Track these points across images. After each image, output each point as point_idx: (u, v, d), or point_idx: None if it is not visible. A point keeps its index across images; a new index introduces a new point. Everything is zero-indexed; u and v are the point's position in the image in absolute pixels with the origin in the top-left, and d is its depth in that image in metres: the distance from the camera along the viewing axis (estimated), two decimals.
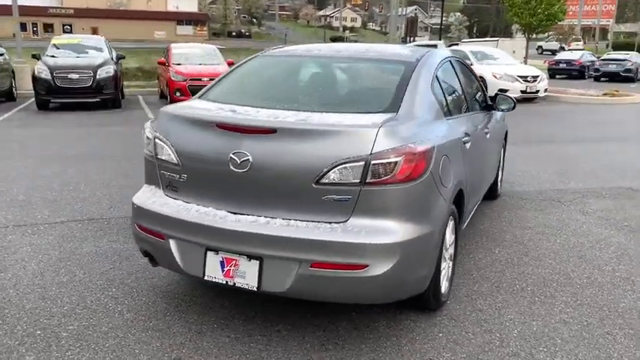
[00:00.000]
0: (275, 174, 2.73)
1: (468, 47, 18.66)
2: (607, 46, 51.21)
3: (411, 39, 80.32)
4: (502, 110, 4.80)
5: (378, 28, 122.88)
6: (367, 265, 2.64)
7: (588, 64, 29.05)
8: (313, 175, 2.68)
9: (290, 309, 3.29)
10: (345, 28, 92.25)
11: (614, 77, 26.10)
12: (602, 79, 26.48)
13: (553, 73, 27.77)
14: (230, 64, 14.76)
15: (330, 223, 2.71)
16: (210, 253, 2.86)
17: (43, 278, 3.67)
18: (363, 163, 2.64)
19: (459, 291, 3.62)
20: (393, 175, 2.66)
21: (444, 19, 49.49)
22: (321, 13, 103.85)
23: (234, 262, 2.81)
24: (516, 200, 5.83)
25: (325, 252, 2.64)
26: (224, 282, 2.85)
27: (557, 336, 3.12)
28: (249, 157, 2.74)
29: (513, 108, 4.78)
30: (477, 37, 72.07)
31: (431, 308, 3.28)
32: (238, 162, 2.76)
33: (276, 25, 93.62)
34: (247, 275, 2.79)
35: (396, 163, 2.65)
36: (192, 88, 13.26)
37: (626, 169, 7.53)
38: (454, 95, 3.89)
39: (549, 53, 47.26)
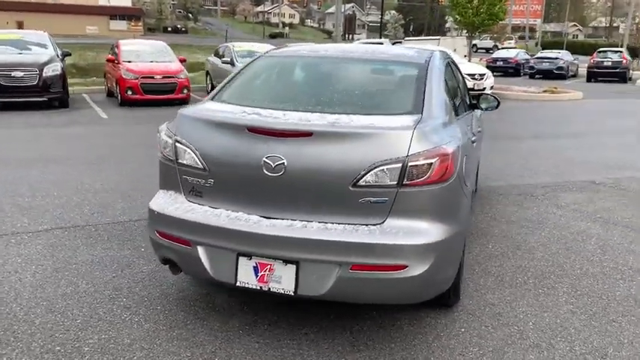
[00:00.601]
0: (311, 178, 2.72)
1: (414, 45, 19.01)
2: (536, 44, 53.62)
3: (350, 37, 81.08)
4: (485, 109, 4.94)
5: (316, 25, 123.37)
6: (406, 266, 2.68)
7: (523, 62, 30.40)
8: (350, 178, 2.68)
9: (312, 312, 3.28)
10: (283, 25, 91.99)
11: (547, 74, 27.37)
12: (537, 76, 27.73)
13: (491, 70, 28.75)
14: (182, 60, 14.45)
15: (367, 225, 2.73)
16: (242, 259, 2.81)
17: (44, 291, 3.49)
18: (400, 165, 2.67)
19: (467, 286, 3.73)
20: (429, 177, 2.71)
21: (379, 17, 50.02)
22: (259, 9, 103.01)
23: (268, 266, 2.78)
24: (494, 195, 6.05)
25: (366, 254, 2.66)
26: (257, 287, 2.81)
27: (569, 326, 3.28)
28: (284, 161, 2.71)
29: (497, 107, 4.92)
30: (413, 35, 73.62)
31: (449, 305, 3.36)
32: (272, 166, 2.73)
33: (214, 21, 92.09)
34: (283, 280, 2.77)
35: (430, 164, 2.70)
36: (145, 86, 12.91)
37: (586, 163, 7.96)
38: (457, 96, 3.99)
39: (484, 51, 49.05)
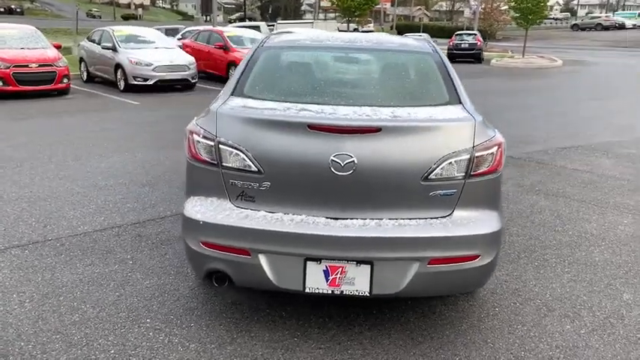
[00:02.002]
0: (381, 174, 2.65)
1: (293, 29, 19.06)
2: (391, 27, 56.49)
3: (208, 18, 78.84)
4: None
5: (168, 7, 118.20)
6: (479, 255, 2.74)
7: None
8: (421, 172, 2.67)
9: (348, 310, 3.22)
10: (135, 6, 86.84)
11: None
12: None
13: None
14: (57, 47, 13.11)
15: (436, 218, 2.73)
16: (311, 264, 2.68)
17: (47, 322, 3.03)
18: (468, 156, 2.70)
19: None
20: (490, 166, 2.77)
21: None
22: None
23: (340, 269, 2.68)
24: None
25: (443, 247, 2.67)
26: (329, 292, 2.70)
27: (580, 294, 3.57)
28: (354, 159, 2.61)
29: None
30: (271, 18, 73.61)
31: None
32: (342, 164, 2.61)
33: (54, 2, 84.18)
34: (357, 281, 2.68)
35: (492, 154, 2.77)
36: (19, 76, 11.56)
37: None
38: None
39: None
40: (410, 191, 2.69)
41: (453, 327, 3.12)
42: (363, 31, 43.62)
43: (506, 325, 3.16)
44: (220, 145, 2.75)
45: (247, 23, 28.15)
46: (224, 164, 2.76)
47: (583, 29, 58.83)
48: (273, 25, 28.18)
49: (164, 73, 13.10)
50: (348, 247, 2.63)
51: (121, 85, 13.19)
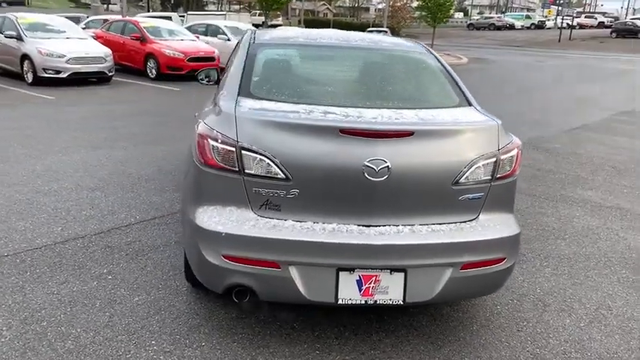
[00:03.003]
0: (414, 179, 2.59)
1: (222, 23, 18.57)
2: (299, 22, 56.57)
3: (107, 7, 74.42)
4: None
5: None
6: (505, 258, 2.76)
7: None
8: (453, 176, 2.64)
9: (360, 317, 3.16)
10: None
11: None
12: None
13: None
14: None
15: (464, 222, 2.72)
16: (343, 274, 2.57)
17: (38, 353, 2.68)
18: (494, 159, 2.71)
19: None
20: (511, 169, 2.80)
21: None
22: None
23: (373, 278, 2.59)
24: None
25: (474, 252, 2.66)
26: (362, 302, 2.61)
27: (564, 286, 3.73)
28: (388, 164, 2.53)
29: None
30: (172, 9, 71.08)
31: None
32: (376, 170, 2.52)
33: None
34: (390, 290, 2.61)
35: (513, 157, 2.80)
36: None
37: None
38: None
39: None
40: (441, 196, 2.65)
41: (465, 328, 3.13)
42: (270, 25, 43.34)
43: (513, 323, 3.22)
44: (243, 151, 2.55)
45: (158, 14, 26.94)
46: (247, 171, 2.57)
47: (478, 28, 62.23)
48: (183, 17, 27.16)
49: (79, 66, 12.19)
50: (383, 255, 2.55)
51: (29, 77, 12.12)
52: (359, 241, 2.53)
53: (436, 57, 3.52)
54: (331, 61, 3.49)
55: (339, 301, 2.58)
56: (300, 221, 2.58)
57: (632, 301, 3.59)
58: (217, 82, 4.99)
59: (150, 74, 14.30)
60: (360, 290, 2.59)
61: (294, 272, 2.54)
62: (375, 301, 2.61)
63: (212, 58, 14.68)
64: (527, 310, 3.38)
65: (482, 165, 2.68)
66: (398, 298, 2.62)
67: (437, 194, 2.64)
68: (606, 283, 3.83)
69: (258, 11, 51.41)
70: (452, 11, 28.56)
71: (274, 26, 39.79)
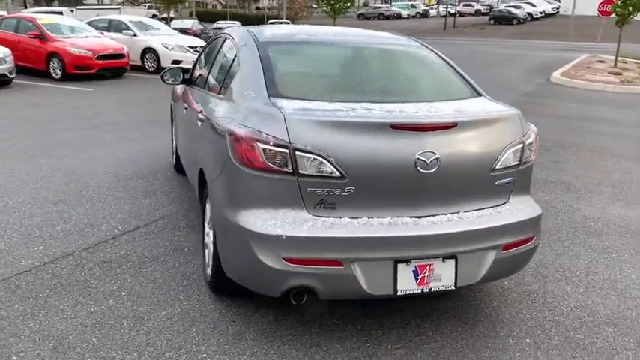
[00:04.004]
0: (459, 168, 2.72)
1: (126, 17, 17.63)
2: (190, 14, 55.06)
3: None
4: None
5: None
6: (534, 236, 2.97)
7: (199, 32, 31.26)
8: (490, 164, 2.80)
9: (390, 306, 3.25)
10: None
11: None
12: None
13: None
14: None
15: (499, 206, 2.89)
16: (401, 266, 2.64)
17: None
18: (521, 145, 2.90)
19: None
20: (532, 154, 3.02)
21: None
22: None
23: (427, 267, 2.69)
24: None
25: (513, 233, 2.84)
26: (418, 291, 2.70)
27: (549, 258, 4.06)
28: (438, 156, 2.64)
29: None
30: (47, 3, 66.21)
31: None
32: (427, 162, 2.61)
33: None
34: (443, 277, 2.73)
35: (533, 142, 3.01)
36: None
37: None
38: None
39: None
40: (481, 182, 2.80)
41: (487, 306, 3.33)
42: (168, 19, 41.80)
43: (524, 296, 3.47)
44: (297, 152, 2.54)
45: (48, 9, 25.03)
46: (301, 172, 2.55)
47: (368, 18, 64.09)
48: (73, 11, 25.45)
49: None
50: (437, 244, 2.66)
51: None
52: (415, 232, 2.61)
53: (435, 52, 3.67)
54: (344, 58, 3.52)
55: (398, 292, 2.65)
56: (356, 218, 2.62)
57: (609, 265, 3.99)
58: (184, 81, 4.84)
59: (54, 75, 13.33)
60: (416, 280, 2.67)
61: (356, 268, 2.57)
62: (430, 288, 2.71)
63: (122, 55, 13.99)
64: (530, 282, 3.65)
65: (512, 151, 2.86)
66: (450, 284, 2.74)
67: (478, 181, 2.79)
68: (582, 251, 4.21)
69: (147, 4, 49.33)
70: (351, 2, 29.16)
71: (165, 19, 38.43)
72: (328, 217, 2.61)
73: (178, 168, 5.71)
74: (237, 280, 2.87)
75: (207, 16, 48.33)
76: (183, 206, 4.80)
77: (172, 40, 15.82)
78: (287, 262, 2.55)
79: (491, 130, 2.83)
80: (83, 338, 2.81)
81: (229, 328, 2.97)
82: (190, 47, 15.83)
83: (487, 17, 57.26)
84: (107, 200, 4.89)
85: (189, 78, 4.94)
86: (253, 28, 3.80)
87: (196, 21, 33.66)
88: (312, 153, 2.53)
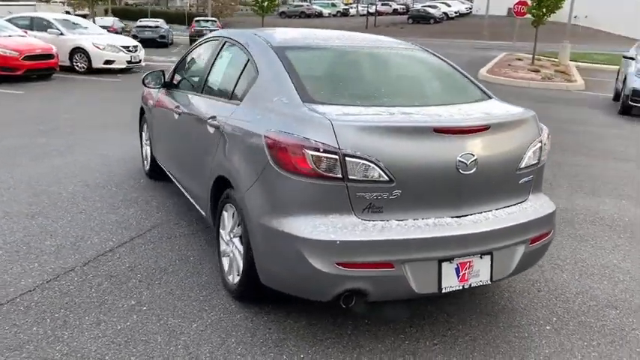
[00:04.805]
0: (493, 169, 2.85)
1: (50, 15, 16.60)
2: (106, 11, 52.73)
3: None
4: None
5: None
6: (552, 230, 3.17)
7: (120, 30, 30.08)
8: (517, 163, 2.96)
9: (415, 303, 3.35)
10: None
11: (150, 43, 27.83)
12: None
13: None
14: None
15: (521, 203, 3.06)
16: (445, 264, 2.74)
17: None
18: (540, 144, 3.09)
19: None
20: (546, 152, 3.21)
21: None
22: None
23: (468, 264, 2.81)
24: None
25: (538, 228, 3.02)
26: (460, 287, 2.81)
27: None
28: (476, 157, 2.76)
29: None
30: None
31: None
32: (467, 164, 2.73)
33: None
34: (481, 273, 2.85)
35: (547, 141, 3.21)
36: None
37: None
38: None
39: None
40: (509, 181, 2.95)
41: (502, 297, 3.51)
42: (79, 15, 39.83)
43: (530, 285, 3.69)
44: (347, 158, 2.56)
45: None
46: (350, 177, 2.58)
47: (290, 16, 64.18)
48: None
49: None
50: (477, 242, 2.77)
51: None
52: (458, 232, 2.72)
53: (439, 56, 3.80)
54: (361, 62, 3.56)
55: (443, 290, 2.75)
56: (402, 220, 2.68)
57: (591, 252, 4.30)
58: (164, 85, 4.72)
59: None
60: (458, 277, 2.78)
61: (406, 269, 2.64)
62: (470, 284, 2.82)
63: (51, 56, 13.23)
64: (530, 272, 3.86)
65: (533, 151, 3.03)
66: (486, 279, 2.86)
67: (506, 180, 2.94)
68: (565, 239, 4.51)
69: (60, 1, 46.74)
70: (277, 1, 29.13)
71: (85, 17, 36.63)
72: (376, 220, 2.65)
73: (152, 175, 5.53)
74: (279, 287, 2.85)
75: (122, 14, 46.45)
76: (171, 214, 4.66)
77: (104, 40, 15.14)
78: (340, 267, 2.57)
79: (517, 131, 2.98)
80: (122, 357, 2.69)
81: (268, 335, 2.94)
82: (123, 47, 15.22)
83: (404, 16, 58.99)
84: (88, 211, 4.66)
85: (169, 82, 4.81)
86: (260, 32, 3.76)
87: (117, 19, 32.33)
88: (361, 158, 2.57)
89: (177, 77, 4.77)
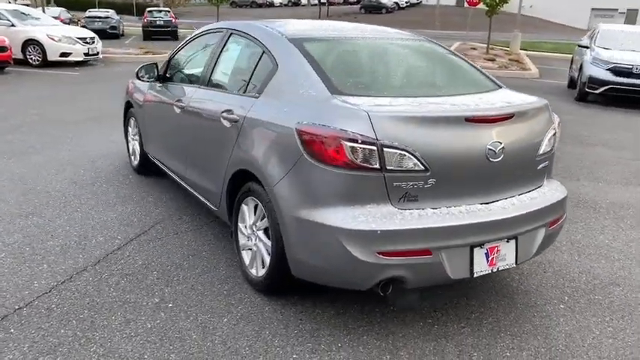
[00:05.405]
0: (517, 156, 2.95)
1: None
2: (48, 2, 50.63)
3: None
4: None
5: None
6: (565, 213, 3.31)
7: (68, 21, 28.98)
8: (536, 149, 3.07)
9: (430, 293, 3.44)
10: None
11: (101, 34, 26.92)
12: None
13: None
14: None
15: (539, 188, 3.19)
16: (476, 250, 2.83)
17: None
18: (554, 132, 3.22)
19: None
20: (557, 140, 3.34)
21: None
22: None
23: (495, 249, 2.91)
24: None
25: (556, 211, 3.15)
26: (489, 271, 2.91)
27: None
28: (503, 145, 2.85)
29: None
30: None
31: None
32: (496, 151, 2.82)
33: None
34: (507, 256, 2.96)
35: (557, 129, 3.34)
36: None
37: None
38: None
39: None
40: (530, 167, 3.06)
41: (513, 280, 3.64)
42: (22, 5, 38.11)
43: (535, 266, 3.84)
44: (385, 149, 2.61)
45: None
46: (388, 167, 2.63)
47: (241, 6, 63.47)
48: None
49: None
50: (505, 227, 2.87)
51: None
52: (489, 218, 2.81)
53: (447, 48, 3.88)
54: (377, 54, 3.58)
55: (474, 275, 2.84)
56: (437, 208, 2.75)
57: (584, 233, 4.51)
58: (158, 78, 4.63)
59: None
60: (487, 261, 2.88)
61: (442, 256, 2.71)
62: (498, 268, 2.93)
63: (4, 48, 12.70)
64: (532, 263, 4.02)
65: (549, 137, 3.16)
66: (512, 262, 2.97)
67: (527, 166, 3.05)
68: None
69: None
70: None
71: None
72: (412, 209, 2.71)
73: (142, 170, 5.42)
74: (313, 278, 2.88)
75: (70, 4, 44.62)
76: (171, 210, 4.59)
77: (58, 31, 14.57)
78: (381, 256, 2.62)
79: (536, 118, 3.09)
80: (161, 356, 2.66)
81: (300, 326, 2.97)
82: (80, 38, 14.71)
83: (356, 6, 59.27)
84: (83, 209, 4.53)
85: (163, 75, 4.71)
86: (269, 24, 3.73)
87: (63, 9, 31.09)
88: (398, 148, 2.62)
89: (172, 70, 4.67)
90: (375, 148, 2.60)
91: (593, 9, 53.25)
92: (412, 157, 2.64)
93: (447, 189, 2.76)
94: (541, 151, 3.09)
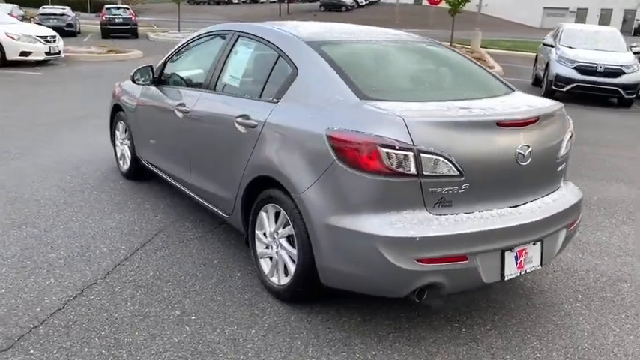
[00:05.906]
0: (542, 159, 2.98)
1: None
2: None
3: None
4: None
5: None
6: (580, 215, 3.38)
7: (20, 18, 27.85)
8: (557, 152, 3.12)
9: (451, 300, 3.46)
10: None
11: (57, 33, 26.03)
12: None
13: None
14: None
15: (557, 190, 3.24)
16: (507, 253, 2.85)
17: None
18: (570, 134, 3.28)
19: None
20: (572, 143, 3.40)
21: None
22: None
23: (524, 251, 2.94)
24: None
25: (573, 213, 3.21)
26: (518, 274, 2.94)
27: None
28: (531, 148, 2.88)
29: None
30: None
31: None
32: (524, 155, 2.84)
33: None
34: (533, 259, 2.99)
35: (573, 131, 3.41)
36: None
37: None
38: None
39: None
40: (551, 170, 3.11)
41: (526, 279, 3.69)
42: None
43: (548, 268, 3.86)
44: (421, 154, 2.59)
45: None
46: (424, 173, 2.62)
47: (198, 3, 62.54)
48: None
49: None
50: (533, 230, 2.91)
51: None
52: (519, 221, 2.84)
53: (457, 51, 3.91)
54: (395, 57, 3.54)
55: (505, 278, 2.86)
56: (470, 213, 2.76)
57: (581, 230, 4.60)
58: (154, 82, 4.50)
59: None
60: (516, 264, 2.90)
61: (477, 261, 2.72)
62: (525, 270, 2.96)
63: None
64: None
65: (566, 140, 3.21)
66: (538, 264, 3.01)
67: (550, 169, 3.10)
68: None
69: None
70: None
71: None
72: (447, 214, 2.71)
73: (132, 176, 5.26)
74: (345, 286, 2.85)
75: (21, 1, 42.93)
76: (171, 217, 4.47)
77: (18, 29, 13.98)
78: (419, 263, 2.60)
79: (556, 122, 3.14)
80: None
81: (330, 335, 2.93)
82: (40, 37, 14.17)
83: (315, 4, 59.26)
84: (79, 218, 4.36)
85: (159, 78, 4.58)
86: (281, 26, 3.66)
87: (15, 6, 29.83)
88: (434, 154, 2.61)
89: (171, 73, 4.53)
90: (412, 154, 2.58)
91: (545, 8, 54.93)
92: (447, 162, 2.63)
93: (479, 193, 2.77)
94: (561, 154, 3.14)
